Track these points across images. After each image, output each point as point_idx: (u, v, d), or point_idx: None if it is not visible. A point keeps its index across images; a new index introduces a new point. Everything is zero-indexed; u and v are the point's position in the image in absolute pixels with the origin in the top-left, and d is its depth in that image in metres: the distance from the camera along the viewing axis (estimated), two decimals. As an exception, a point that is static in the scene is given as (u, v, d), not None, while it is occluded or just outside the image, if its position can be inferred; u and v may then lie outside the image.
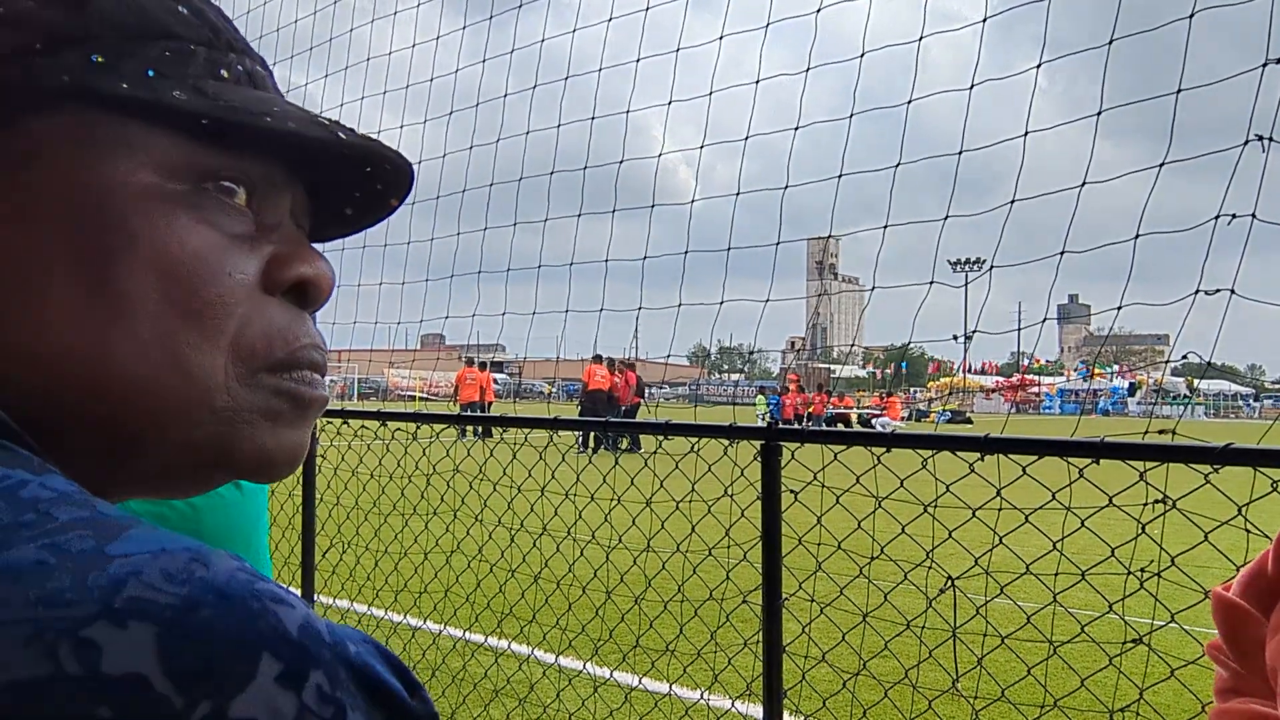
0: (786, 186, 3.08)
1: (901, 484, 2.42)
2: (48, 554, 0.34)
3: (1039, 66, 2.70)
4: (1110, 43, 2.43)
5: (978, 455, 2.31)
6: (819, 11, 3.03)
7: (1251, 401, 77.69)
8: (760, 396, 35.01)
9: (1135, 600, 2.31)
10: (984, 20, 2.77)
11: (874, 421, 32.85)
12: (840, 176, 2.95)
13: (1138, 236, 2.31)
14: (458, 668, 4.58)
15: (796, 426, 2.75)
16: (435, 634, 4.88)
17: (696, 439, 2.87)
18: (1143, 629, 2.29)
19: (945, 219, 2.72)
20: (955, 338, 2.99)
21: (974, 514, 2.37)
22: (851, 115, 2.98)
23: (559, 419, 3.53)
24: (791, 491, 2.64)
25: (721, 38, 3.22)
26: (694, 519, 3.03)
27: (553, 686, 4.35)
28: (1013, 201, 2.62)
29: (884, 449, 2.50)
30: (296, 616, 0.36)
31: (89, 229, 0.44)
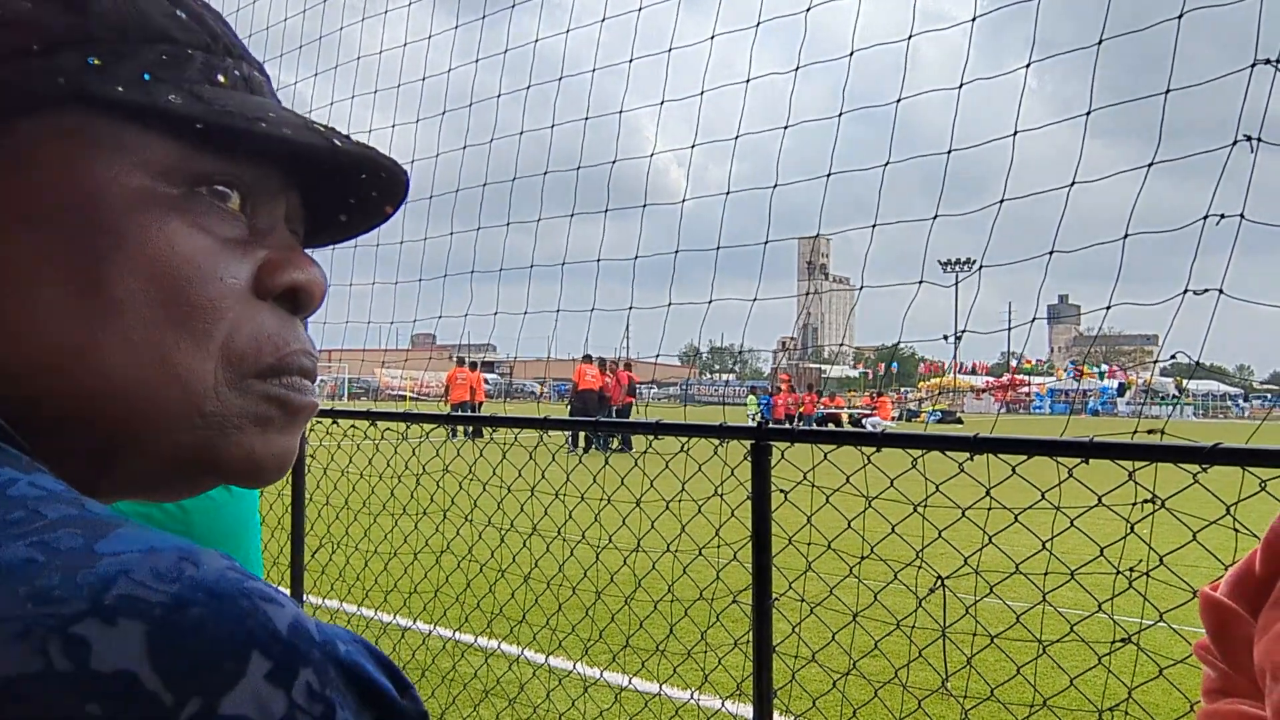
0: (775, 185, 3.08)
1: (891, 484, 2.42)
2: (36, 551, 0.34)
3: (1028, 66, 2.70)
4: (1100, 42, 2.44)
5: (967, 455, 2.31)
6: (808, 11, 3.03)
7: (1240, 402, 78.10)
8: (751, 396, 35.06)
9: (1124, 599, 2.31)
10: (973, 19, 2.77)
11: (865, 421, 32.92)
12: (829, 175, 2.96)
13: (1126, 236, 2.31)
14: (447, 668, 4.57)
15: (787, 426, 2.75)
16: (425, 634, 4.86)
17: (686, 439, 2.87)
18: (1131, 628, 2.30)
19: (934, 218, 2.73)
20: (945, 338, 2.99)
21: (964, 514, 2.37)
22: (841, 114, 2.98)
23: (549, 419, 3.52)
24: (781, 491, 2.64)
25: (713, 37, 3.22)
26: (684, 519, 3.03)
27: (543, 686, 4.34)
28: (1002, 201, 2.63)
29: (874, 449, 2.50)
30: (286, 615, 0.36)
31: (81, 231, 0.44)
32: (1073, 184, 2.47)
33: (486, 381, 29.14)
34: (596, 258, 3.50)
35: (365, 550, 4.48)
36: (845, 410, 38.06)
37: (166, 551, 0.36)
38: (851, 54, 2.97)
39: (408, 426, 4.02)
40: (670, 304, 3.24)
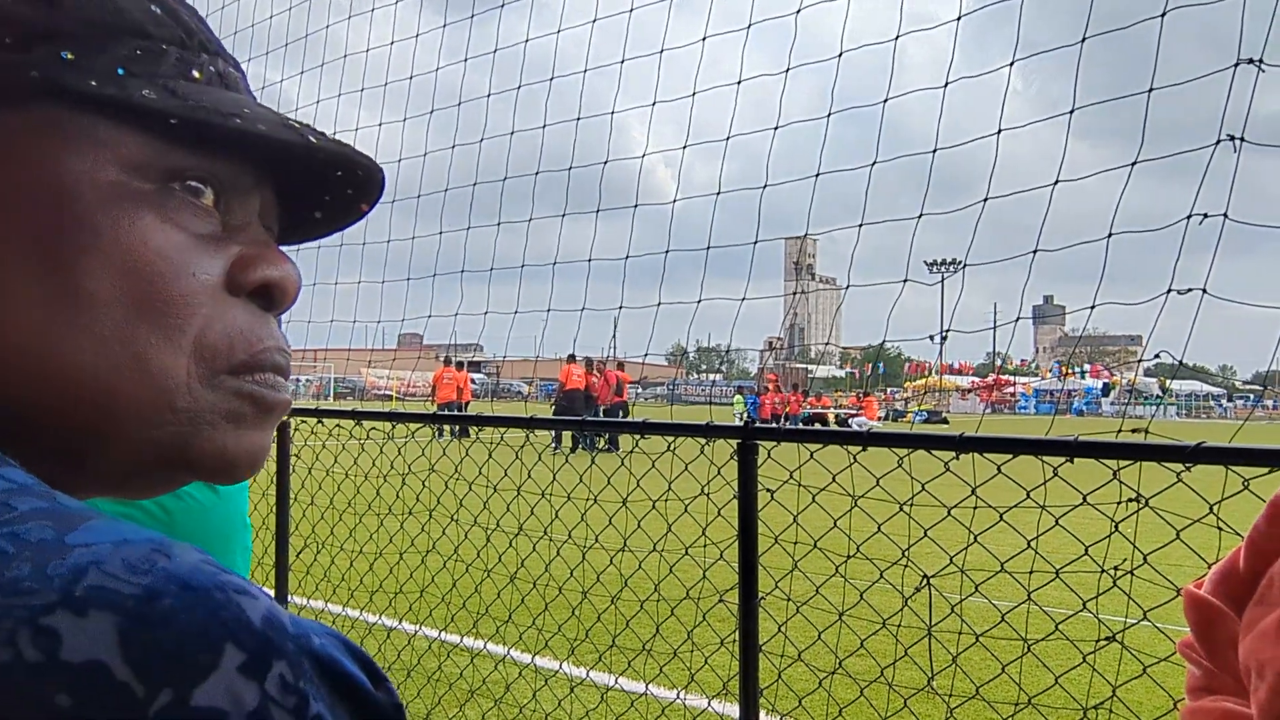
0: (765, 186, 3.08)
1: (878, 482, 2.43)
2: (6, 543, 0.34)
3: (1011, 64, 2.71)
4: (1083, 40, 2.45)
5: (953, 454, 2.32)
6: (799, 12, 3.03)
7: (1224, 402, 78.58)
8: (738, 396, 35.10)
9: (1108, 598, 2.32)
10: (958, 19, 2.78)
11: (851, 421, 33.01)
12: (818, 176, 2.96)
13: (1110, 236, 2.32)
14: (433, 668, 4.56)
15: (773, 426, 2.75)
16: (410, 634, 4.85)
17: (673, 438, 2.87)
18: (1116, 627, 2.31)
19: (920, 216, 2.73)
20: (931, 338, 3.00)
21: (949, 513, 2.38)
22: (829, 114, 2.98)
23: (535, 418, 3.51)
24: (768, 490, 2.64)
25: (705, 38, 3.22)
26: (670, 518, 3.03)
27: (529, 687, 4.33)
28: (986, 199, 2.64)
29: (860, 448, 2.50)
30: (260, 608, 0.36)
31: (53, 225, 0.44)
32: (1056, 182, 2.48)
33: (473, 381, 29.09)
34: (587, 258, 3.51)
35: (350, 550, 4.46)
36: (831, 410, 38.16)
37: (139, 543, 0.36)
38: (840, 55, 2.97)
39: (393, 426, 4.00)
40: (660, 304, 3.24)
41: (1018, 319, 2.90)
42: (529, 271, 3.83)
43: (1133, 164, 2.35)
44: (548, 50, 3.75)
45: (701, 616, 3.47)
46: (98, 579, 0.34)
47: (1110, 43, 2.50)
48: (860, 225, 2.84)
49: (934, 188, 2.70)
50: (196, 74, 0.48)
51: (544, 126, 3.71)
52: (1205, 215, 2.06)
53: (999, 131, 2.60)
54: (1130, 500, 2.08)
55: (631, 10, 3.45)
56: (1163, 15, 2.27)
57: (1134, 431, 2.15)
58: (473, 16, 4.21)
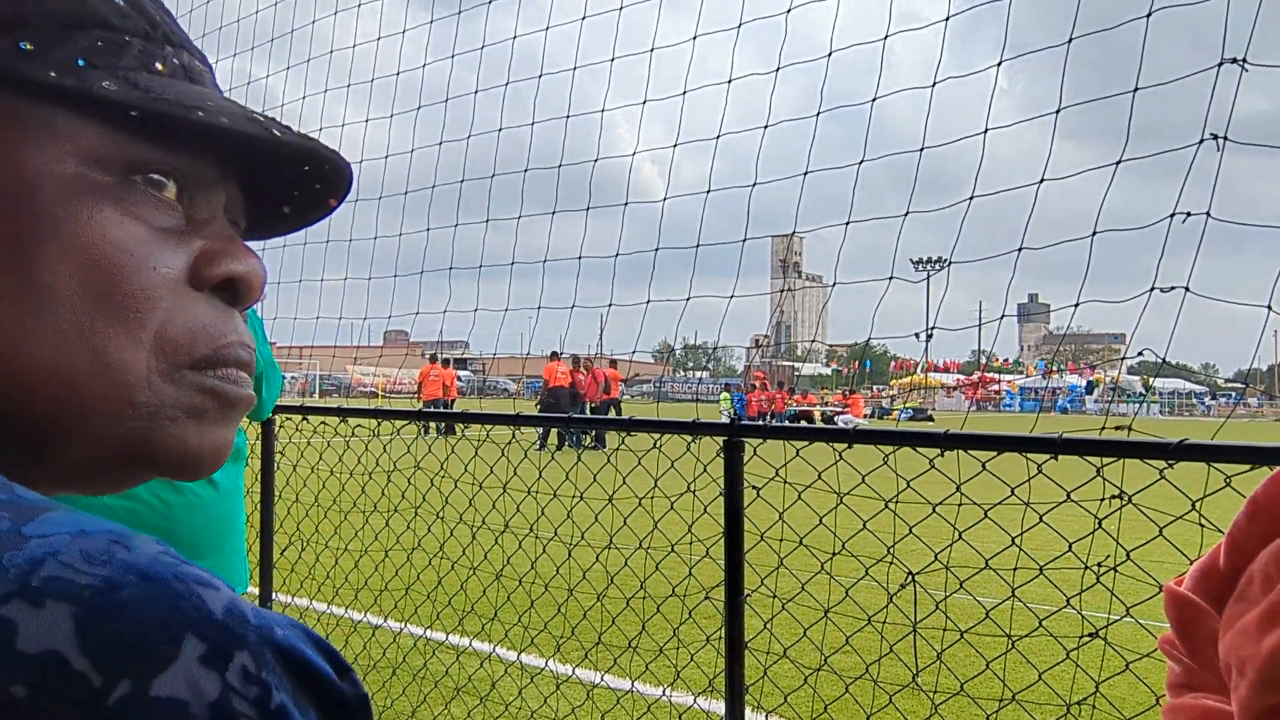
0: (754, 184, 3.08)
1: (863, 480, 2.43)
2: None
3: (999, 65, 2.72)
4: (1069, 41, 2.45)
5: (938, 451, 2.32)
6: (789, 12, 3.03)
7: (1206, 400, 79.09)
8: (725, 394, 35.14)
9: (1092, 595, 2.33)
10: (946, 19, 2.79)
11: (837, 419, 33.09)
12: (806, 174, 2.96)
13: (1094, 234, 2.33)
14: (418, 666, 4.55)
15: (760, 423, 2.75)
16: (396, 632, 4.84)
17: (659, 435, 2.87)
18: (1099, 623, 2.32)
19: (906, 214, 2.74)
20: (917, 335, 3.01)
21: (934, 510, 2.39)
22: (818, 114, 2.99)
23: (521, 415, 3.51)
24: (754, 488, 2.65)
25: (695, 37, 3.22)
26: (656, 516, 3.03)
27: (514, 684, 4.33)
28: (972, 198, 2.65)
29: (845, 445, 2.51)
30: (221, 599, 0.36)
31: (10, 218, 0.43)
32: (1041, 181, 2.49)
33: (459, 379, 29.04)
34: (575, 255, 3.49)
35: (335, 548, 4.45)
36: (818, 408, 38.23)
37: (97, 535, 0.36)
38: (830, 54, 2.97)
39: (379, 423, 3.99)
40: (649, 301, 3.23)
41: (1002, 317, 2.92)
42: (517, 269, 3.82)
43: (1117, 163, 2.36)
44: (536, 47, 3.74)
45: (687, 614, 3.48)
46: (55, 570, 0.33)
47: (1096, 42, 2.51)
48: (847, 223, 2.85)
49: (920, 186, 2.71)
50: (160, 66, 0.48)
51: (532, 124, 3.71)
52: (1188, 214, 2.07)
53: (985, 131, 2.61)
54: (1113, 497, 2.09)
55: (621, 8, 3.45)
56: (1148, 15, 2.28)
57: (1117, 429, 2.16)
58: (460, 13, 4.20)
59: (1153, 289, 2.12)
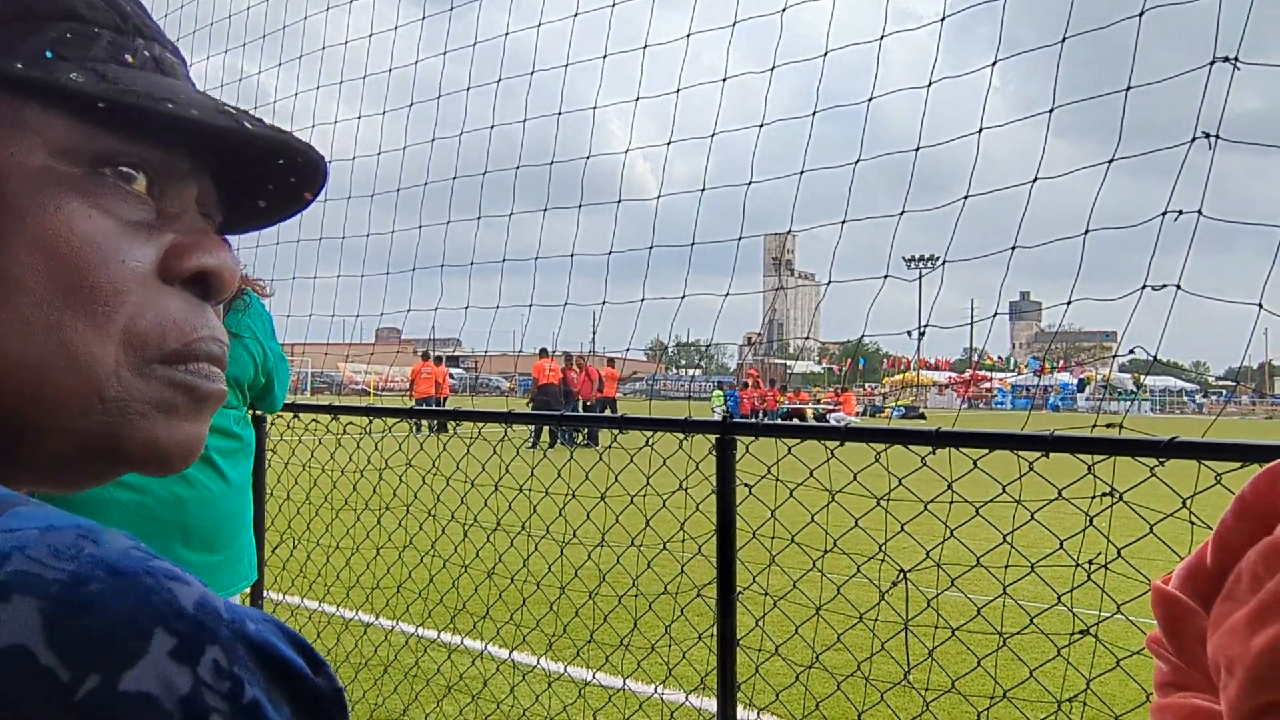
0: (749, 183, 3.08)
1: (855, 477, 2.44)
2: None
3: (994, 65, 2.72)
4: (1063, 40, 2.46)
5: (930, 449, 2.33)
6: (784, 11, 3.03)
7: (1197, 398, 79.34)
8: (717, 392, 35.15)
9: (1083, 592, 2.33)
10: (942, 20, 2.79)
11: (829, 417, 33.12)
12: (802, 173, 2.96)
13: (1087, 233, 2.34)
14: (410, 664, 4.54)
15: (751, 421, 2.75)
16: (387, 630, 4.83)
17: (651, 433, 2.87)
18: (1090, 620, 2.33)
19: (901, 214, 2.74)
20: (909, 333, 3.01)
21: (926, 507, 2.39)
22: (814, 113, 2.99)
23: (513, 413, 3.50)
24: (746, 485, 2.65)
25: (689, 35, 3.22)
26: (648, 513, 3.03)
27: (506, 682, 4.32)
28: (966, 197, 2.65)
29: (837, 443, 2.51)
30: (193, 593, 0.36)
31: None
32: (1035, 180, 2.49)
33: (452, 376, 29.03)
34: (567, 253, 3.48)
35: (327, 546, 4.44)
36: (810, 406, 38.27)
37: (65, 530, 0.36)
38: (826, 54, 2.97)
39: (370, 421, 3.98)
40: (643, 299, 3.23)
41: (994, 315, 2.92)
42: (509, 266, 3.81)
43: (1109, 161, 2.36)
44: (528, 44, 3.73)
45: (679, 611, 3.47)
46: (21, 564, 0.33)
47: (1089, 41, 2.51)
48: (843, 222, 2.84)
49: (914, 184, 2.71)
50: (130, 58, 0.47)
51: (524, 120, 3.70)
52: (1180, 212, 2.07)
53: (980, 131, 2.61)
54: (1104, 495, 2.10)
55: (613, 5, 3.44)
56: (1140, 15, 2.28)
57: (1108, 427, 2.16)
58: (451, 9, 4.18)
59: (1144, 287, 2.12)
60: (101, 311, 0.44)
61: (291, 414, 4.15)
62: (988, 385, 74.10)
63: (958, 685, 2.69)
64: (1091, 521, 2.12)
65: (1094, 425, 2.21)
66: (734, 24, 3.14)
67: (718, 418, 2.75)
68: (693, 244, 3.24)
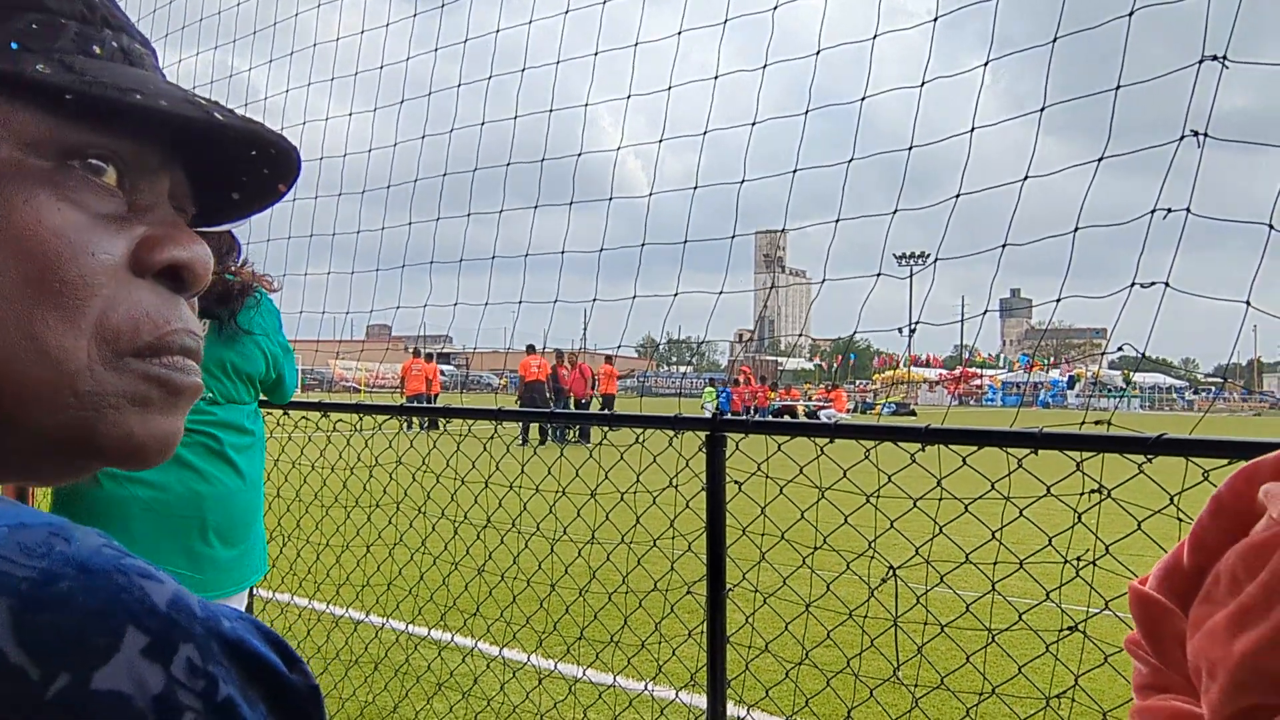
0: (743, 181, 3.08)
1: (844, 474, 2.44)
2: None
3: (986, 65, 2.72)
4: (1054, 40, 2.46)
5: (919, 446, 2.33)
6: (775, 9, 3.03)
7: (1187, 395, 79.67)
8: (709, 389, 35.16)
9: (1071, 588, 2.35)
10: (934, 20, 2.79)
11: (820, 413, 33.18)
12: (794, 172, 2.96)
13: (1076, 230, 2.34)
14: (400, 661, 4.53)
15: (742, 418, 2.75)
16: (378, 627, 4.82)
17: (642, 430, 2.86)
18: (1078, 616, 2.33)
19: (894, 213, 2.74)
20: (900, 330, 3.02)
21: (915, 504, 2.39)
22: (806, 111, 2.98)
23: (503, 410, 3.50)
24: (736, 483, 2.65)
25: (680, 33, 3.21)
26: (639, 511, 3.03)
27: (497, 679, 4.32)
28: (958, 195, 2.65)
29: (827, 440, 2.51)
30: (166, 591, 0.35)
31: None
32: (1025, 178, 2.49)
33: (443, 373, 28.97)
34: (558, 250, 3.48)
35: (317, 543, 4.43)
36: (801, 402, 38.32)
37: (36, 528, 0.35)
38: (818, 52, 2.97)
39: (361, 418, 3.97)
40: (635, 296, 3.23)
41: (985, 312, 2.93)
42: (499, 263, 3.81)
43: (1099, 160, 2.36)
44: (519, 41, 3.73)
45: (669, 608, 3.48)
46: None
47: (1079, 39, 2.51)
48: (836, 221, 2.84)
49: (905, 181, 2.71)
50: (97, 49, 0.47)
51: (515, 118, 3.69)
52: (1169, 210, 2.08)
53: (972, 130, 2.61)
54: (1092, 491, 2.10)
55: (604, 3, 3.43)
56: (1130, 15, 2.28)
57: (1097, 424, 2.17)
58: (443, 6, 4.17)
59: (1133, 284, 2.13)
60: (72, 305, 0.44)
61: (281, 411, 4.14)
62: (978, 382, 74.31)
63: (947, 681, 2.70)
64: (1080, 518, 2.13)
65: (1082, 422, 2.22)
66: (725, 21, 3.13)
67: (708, 414, 2.75)
68: (685, 241, 3.24)
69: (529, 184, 3.61)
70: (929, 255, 3.04)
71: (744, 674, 3.37)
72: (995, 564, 2.34)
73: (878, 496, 2.42)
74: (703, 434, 2.68)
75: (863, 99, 2.90)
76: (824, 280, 2.99)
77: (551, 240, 3.51)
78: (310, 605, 5.39)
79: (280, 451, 4.28)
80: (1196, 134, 2.01)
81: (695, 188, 3.20)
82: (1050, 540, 2.24)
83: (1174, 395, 78.66)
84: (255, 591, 4.34)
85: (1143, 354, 2.32)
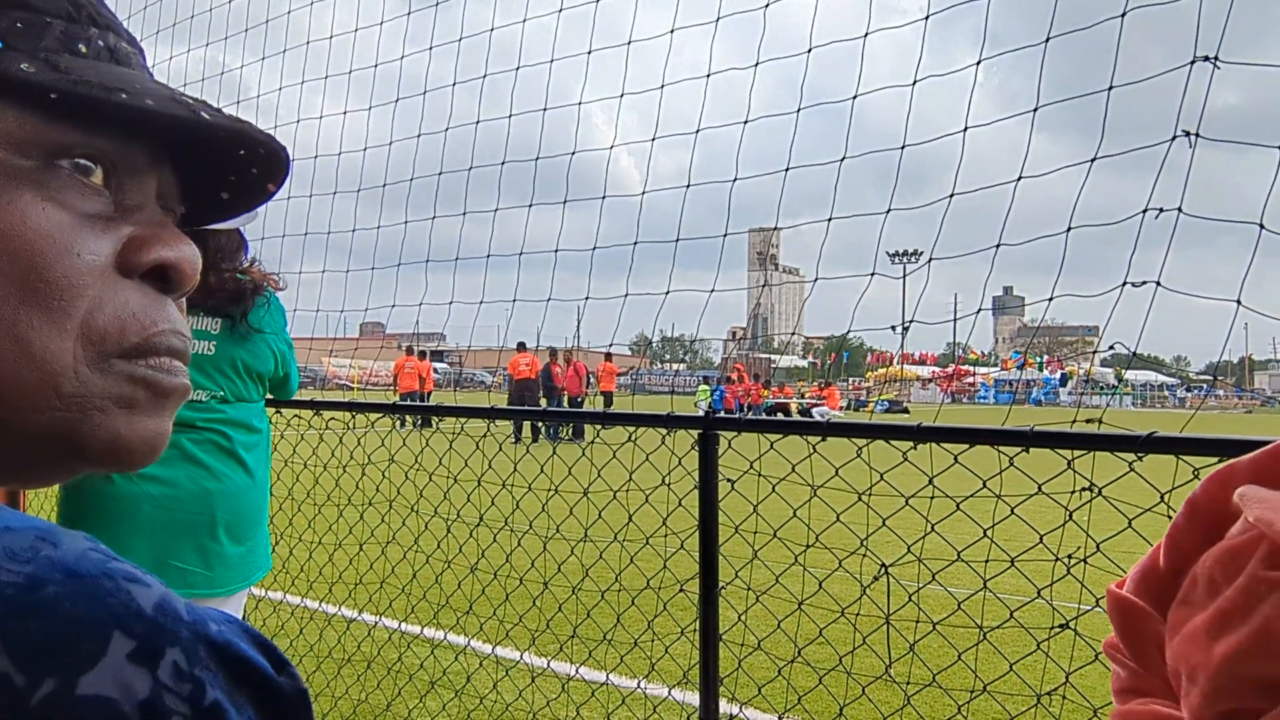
0: (735, 179, 3.08)
1: (836, 472, 2.44)
2: None
3: (978, 63, 2.72)
4: (1047, 40, 2.46)
5: (911, 444, 2.33)
6: (767, 7, 3.03)
7: (1178, 392, 79.91)
8: (703, 387, 35.15)
9: (1062, 586, 2.35)
10: (926, 18, 2.79)
11: (813, 411, 33.21)
12: (787, 170, 2.96)
13: (1069, 229, 2.35)
14: (393, 659, 4.53)
15: (734, 415, 2.75)
16: (370, 625, 4.82)
17: (634, 428, 2.86)
18: (1069, 613, 2.34)
19: (887, 211, 2.74)
20: (893, 328, 3.02)
21: (907, 502, 2.40)
22: (799, 110, 2.98)
23: (496, 408, 3.50)
24: (728, 480, 2.65)
25: (673, 30, 3.21)
26: (631, 509, 3.03)
27: (490, 677, 4.32)
28: (951, 195, 2.65)
29: (819, 438, 2.52)
30: (152, 595, 0.35)
31: None
32: (1019, 178, 2.50)
33: (436, 371, 28.95)
34: (552, 248, 3.48)
35: (310, 541, 4.42)
36: (794, 400, 38.35)
37: (22, 531, 0.35)
38: (810, 50, 2.97)
39: (353, 416, 3.97)
40: (628, 294, 3.22)
41: (978, 310, 2.92)
42: (493, 262, 3.80)
43: (1092, 160, 2.37)
44: (513, 39, 3.72)
45: (662, 606, 3.48)
46: None
47: (1072, 37, 2.52)
48: (829, 219, 2.85)
49: (899, 178, 2.71)
50: (83, 48, 0.46)
51: (509, 116, 3.69)
52: (1160, 210, 2.08)
53: (965, 129, 2.61)
54: (1083, 490, 2.11)
55: (598, 1, 3.43)
56: (1123, 15, 2.29)
57: (1088, 422, 2.17)
58: (437, 5, 4.16)
59: (1125, 283, 2.13)
60: (58, 306, 0.43)
61: (273, 409, 4.13)
62: (971, 380, 74.46)
63: (938, 679, 2.70)
64: (1071, 516, 2.13)
65: (1073, 420, 2.22)
66: (718, 19, 3.13)
67: (701, 412, 2.75)
68: (677, 239, 3.24)
69: (523, 182, 3.61)
70: (923, 253, 3.04)
71: (736, 671, 3.38)
72: (987, 562, 2.34)
73: (870, 494, 2.43)
74: (695, 432, 2.69)
75: (854, 97, 2.91)
76: (816, 279, 2.99)
77: (545, 238, 3.51)
78: (303, 603, 5.39)
79: (273, 449, 4.28)
80: (1188, 134, 2.01)
81: (688, 186, 3.20)
82: (1041, 538, 2.25)
83: (1165, 393, 78.92)
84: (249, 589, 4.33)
85: (1134, 352, 2.33)
